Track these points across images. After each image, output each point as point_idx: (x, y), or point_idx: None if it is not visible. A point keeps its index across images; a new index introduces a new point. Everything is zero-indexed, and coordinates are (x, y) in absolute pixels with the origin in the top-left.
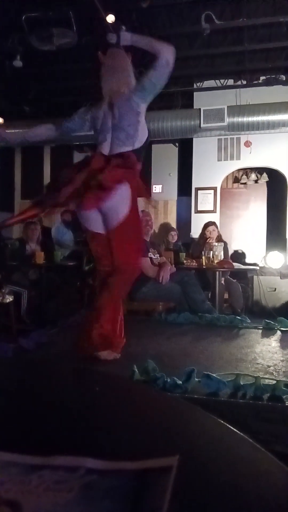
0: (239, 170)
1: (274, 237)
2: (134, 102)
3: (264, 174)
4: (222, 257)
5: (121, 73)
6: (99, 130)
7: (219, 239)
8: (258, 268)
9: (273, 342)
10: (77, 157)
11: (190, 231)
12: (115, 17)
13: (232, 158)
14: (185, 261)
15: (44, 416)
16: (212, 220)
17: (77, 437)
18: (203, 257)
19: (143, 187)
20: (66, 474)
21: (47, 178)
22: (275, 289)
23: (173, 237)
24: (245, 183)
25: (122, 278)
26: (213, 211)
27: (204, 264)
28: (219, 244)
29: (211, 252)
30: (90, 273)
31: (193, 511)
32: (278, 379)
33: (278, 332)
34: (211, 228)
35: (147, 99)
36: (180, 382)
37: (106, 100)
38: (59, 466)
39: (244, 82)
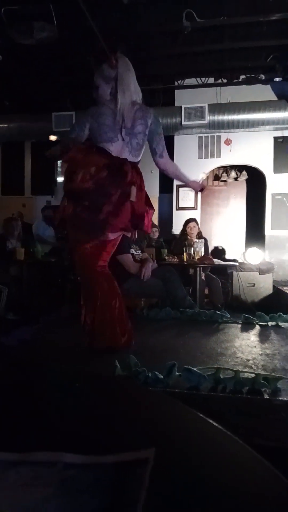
0: (219, 168)
1: (253, 234)
2: (147, 117)
3: (244, 172)
4: (203, 253)
5: (134, 84)
6: (106, 124)
7: (200, 235)
8: (237, 264)
9: (252, 336)
10: None
11: (171, 228)
12: (99, 14)
13: (212, 156)
14: (166, 257)
15: (21, 412)
16: (193, 217)
17: (55, 432)
18: (184, 253)
19: None
20: (44, 470)
21: (27, 174)
22: (254, 284)
23: (155, 233)
24: (225, 181)
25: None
26: (194, 208)
27: (185, 260)
28: (200, 240)
29: (192, 248)
30: (71, 269)
31: (170, 502)
32: (257, 372)
33: (257, 327)
34: (191, 224)
35: (150, 131)
36: (162, 377)
37: (119, 105)
38: (36, 462)
39: (225, 81)
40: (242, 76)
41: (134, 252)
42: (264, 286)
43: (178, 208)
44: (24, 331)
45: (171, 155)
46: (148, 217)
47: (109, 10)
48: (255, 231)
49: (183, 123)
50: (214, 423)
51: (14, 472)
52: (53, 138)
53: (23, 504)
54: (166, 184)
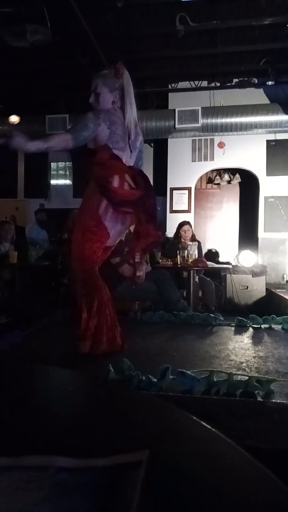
0: (212, 170)
1: (246, 237)
2: (140, 134)
3: (237, 175)
4: (196, 256)
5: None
6: (118, 134)
7: (193, 238)
8: (231, 266)
9: (246, 339)
10: (52, 154)
11: (165, 231)
12: (92, 17)
13: (206, 159)
14: (160, 260)
15: (13, 416)
16: (187, 220)
17: (47, 436)
18: (178, 256)
19: None
20: (36, 474)
21: (21, 177)
22: (247, 287)
23: None
24: (218, 184)
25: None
26: (188, 211)
27: (179, 263)
28: (193, 243)
29: (186, 251)
30: (64, 272)
31: (163, 505)
32: (250, 375)
33: (250, 329)
34: (185, 227)
35: (139, 150)
36: (155, 380)
37: (127, 118)
38: (29, 466)
39: (218, 84)
40: (235, 80)
41: None
42: (257, 288)
43: (172, 211)
44: (16, 335)
45: (165, 158)
46: None
47: (103, 13)
48: (248, 233)
49: (177, 126)
50: (208, 426)
51: (6, 476)
52: (15, 119)
53: (15, 508)
54: (160, 187)
